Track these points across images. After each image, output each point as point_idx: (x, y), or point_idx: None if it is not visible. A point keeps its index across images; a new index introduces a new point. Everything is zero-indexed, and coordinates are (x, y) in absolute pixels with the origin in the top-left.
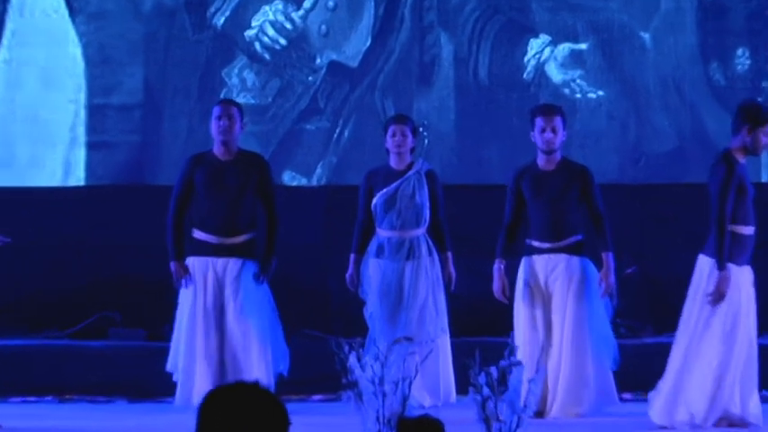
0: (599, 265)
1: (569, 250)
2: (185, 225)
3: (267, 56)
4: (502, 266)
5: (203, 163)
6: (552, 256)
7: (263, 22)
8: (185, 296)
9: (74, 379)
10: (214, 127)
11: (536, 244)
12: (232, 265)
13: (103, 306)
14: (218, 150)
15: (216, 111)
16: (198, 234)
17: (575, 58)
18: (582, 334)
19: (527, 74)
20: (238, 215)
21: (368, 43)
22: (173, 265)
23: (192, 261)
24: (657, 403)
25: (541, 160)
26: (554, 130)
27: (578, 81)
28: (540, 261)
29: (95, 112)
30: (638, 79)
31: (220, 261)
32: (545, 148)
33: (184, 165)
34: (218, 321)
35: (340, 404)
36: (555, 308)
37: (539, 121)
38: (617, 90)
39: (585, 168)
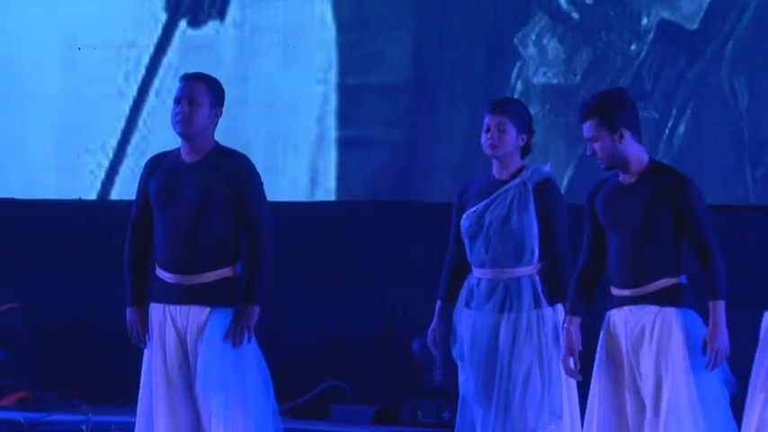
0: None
1: (658, 299)
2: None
3: (575, 14)
4: (572, 328)
5: (160, 167)
6: (634, 308)
7: None
8: (145, 360)
9: None
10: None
11: (614, 291)
12: (194, 315)
13: (331, 372)
14: (183, 149)
15: (177, 90)
16: (158, 270)
17: None
18: (682, 424)
19: None
20: (200, 243)
21: None
22: (128, 314)
23: (151, 309)
24: None
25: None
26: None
27: None
28: (619, 316)
29: (349, 97)
30: None
31: (180, 309)
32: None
33: (142, 171)
34: (187, 397)
35: None
36: (644, 385)
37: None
38: None
39: (680, 178)
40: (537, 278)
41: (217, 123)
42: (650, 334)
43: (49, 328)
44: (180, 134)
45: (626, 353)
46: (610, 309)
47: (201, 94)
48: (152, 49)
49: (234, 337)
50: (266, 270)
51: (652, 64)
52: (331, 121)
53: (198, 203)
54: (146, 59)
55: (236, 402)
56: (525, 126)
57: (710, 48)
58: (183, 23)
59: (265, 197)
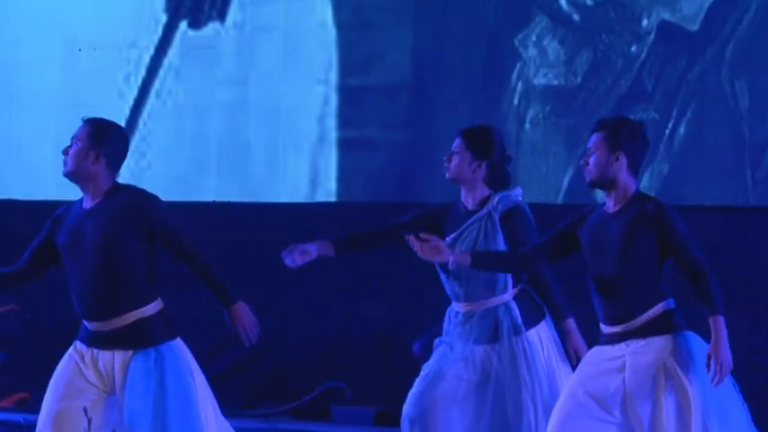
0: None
1: (652, 329)
2: None
3: (576, 16)
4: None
5: (66, 218)
6: (631, 343)
7: None
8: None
9: None
10: None
11: (605, 330)
12: (118, 358)
13: (331, 374)
14: (84, 195)
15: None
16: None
17: None
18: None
19: None
20: (108, 288)
21: None
22: None
23: (77, 345)
24: None
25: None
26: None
27: None
28: (612, 353)
29: (350, 98)
30: None
31: (102, 354)
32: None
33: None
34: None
35: None
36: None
37: None
38: None
39: (662, 206)
40: (513, 305)
41: (110, 165)
42: (659, 369)
43: (48, 329)
44: (70, 179)
45: (621, 387)
46: (601, 345)
47: (86, 136)
48: (152, 49)
49: (242, 336)
50: (218, 276)
51: (653, 65)
52: (331, 122)
53: (100, 248)
54: (146, 60)
55: None
56: (483, 154)
57: (711, 49)
58: (183, 24)
59: (171, 214)
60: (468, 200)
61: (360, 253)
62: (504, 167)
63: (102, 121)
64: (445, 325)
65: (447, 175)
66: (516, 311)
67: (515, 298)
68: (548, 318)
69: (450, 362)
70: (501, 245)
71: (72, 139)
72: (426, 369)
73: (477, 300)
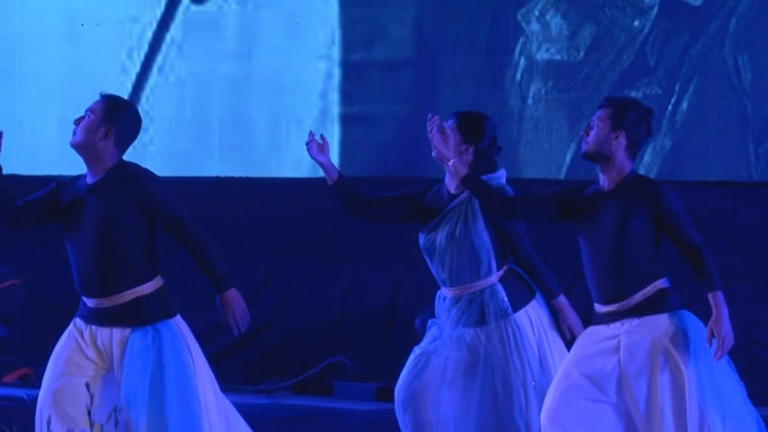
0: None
1: (646, 308)
2: None
3: None
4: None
5: (70, 190)
6: (626, 322)
7: None
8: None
9: None
10: None
11: (599, 309)
12: (116, 335)
13: (334, 349)
14: (88, 170)
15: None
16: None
17: None
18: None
19: None
20: (107, 265)
21: None
22: None
23: (76, 322)
24: None
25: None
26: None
27: None
28: (607, 332)
29: (352, 73)
30: None
31: (101, 331)
32: None
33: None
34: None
35: None
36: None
37: None
38: None
39: (657, 185)
40: (499, 287)
41: (119, 142)
42: (655, 347)
43: (51, 304)
44: (77, 151)
45: (617, 366)
46: (595, 324)
47: (101, 110)
48: (155, 24)
49: (231, 325)
50: (214, 261)
51: (655, 40)
52: (334, 98)
53: (100, 225)
54: (149, 35)
55: (155, 417)
56: (472, 139)
57: (714, 24)
58: None
59: (173, 196)
60: (451, 183)
61: (353, 204)
62: (493, 156)
63: (119, 98)
64: (436, 307)
65: (433, 153)
66: (502, 294)
67: (502, 280)
68: (539, 296)
69: (440, 344)
70: (481, 229)
71: (86, 110)
72: (417, 351)
73: (463, 284)
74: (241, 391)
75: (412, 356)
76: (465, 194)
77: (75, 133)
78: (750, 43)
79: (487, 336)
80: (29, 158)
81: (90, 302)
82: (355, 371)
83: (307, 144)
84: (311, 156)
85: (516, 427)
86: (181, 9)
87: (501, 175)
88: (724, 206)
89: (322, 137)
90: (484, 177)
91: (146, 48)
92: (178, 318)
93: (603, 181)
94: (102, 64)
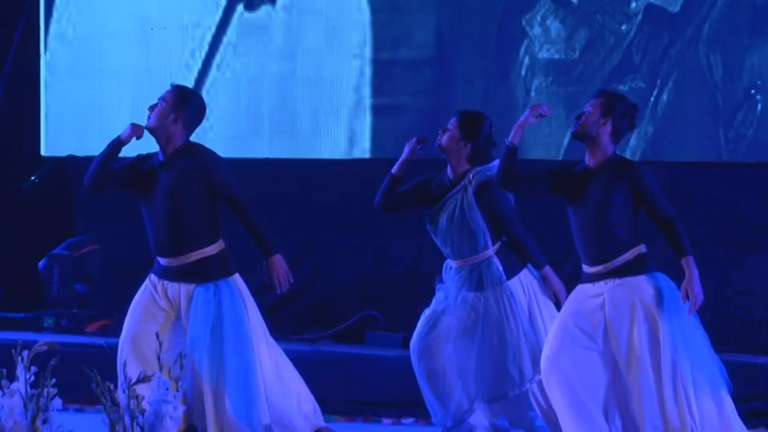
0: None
1: (627, 270)
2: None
3: None
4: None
5: (146, 165)
6: (609, 281)
7: None
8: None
9: (330, 391)
10: None
11: (586, 269)
12: (183, 290)
13: (367, 304)
14: (160, 149)
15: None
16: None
17: None
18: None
19: None
20: (180, 229)
21: None
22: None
23: (151, 278)
24: None
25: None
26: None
27: None
28: (594, 290)
29: (382, 70)
30: None
31: (171, 285)
32: None
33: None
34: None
35: None
36: (623, 340)
37: None
38: None
39: (635, 165)
40: (494, 259)
41: (186, 127)
42: (634, 303)
43: (125, 266)
44: (151, 133)
45: (602, 319)
46: (583, 283)
47: (171, 98)
48: (214, 29)
49: (275, 285)
50: (263, 230)
51: (640, 42)
52: (366, 91)
53: (168, 197)
54: (208, 38)
55: (215, 360)
56: (470, 136)
57: (690, 28)
58: (240, 7)
59: (230, 174)
60: (451, 172)
61: (390, 196)
62: (488, 151)
63: (187, 89)
64: (444, 274)
65: (437, 144)
66: (497, 265)
67: (497, 253)
68: (530, 266)
69: (447, 306)
70: (478, 216)
71: (159, 98)
72: (427, 312)
73: (464, 257)
74: (288, 339)
75: (423, 317)
76: (461, 184)
77: (149, 118)
78: (721, 45)
79: (485, 299)
80: (106, 142)
81: (162, 261)
82: (384, 323)
83: (417, 141)
84: (410, 148)
85: (511, 376)
86: (236, 15)
87: (494, 166)
88: (698, 183)
89: (422, 139)
90: (480, 168)
91: (206, 48)
92: (237, 276)
93: (589, 160)
94: (168, 62)
